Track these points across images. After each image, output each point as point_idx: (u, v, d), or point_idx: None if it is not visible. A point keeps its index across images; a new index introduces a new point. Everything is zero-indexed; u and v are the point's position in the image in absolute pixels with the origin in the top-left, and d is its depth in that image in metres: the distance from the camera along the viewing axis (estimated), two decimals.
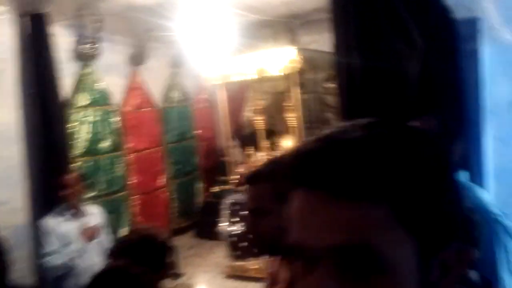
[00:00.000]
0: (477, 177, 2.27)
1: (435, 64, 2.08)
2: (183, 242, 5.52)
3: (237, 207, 4.40)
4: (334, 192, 0.46)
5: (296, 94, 4.29)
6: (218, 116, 6.51)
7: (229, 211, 4.56)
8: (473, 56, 2.16)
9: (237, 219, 4.45)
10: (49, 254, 2.96)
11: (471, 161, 2.24)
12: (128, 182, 5.07)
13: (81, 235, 3.35)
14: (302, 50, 4.19)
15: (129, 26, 4.95)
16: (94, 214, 3.66)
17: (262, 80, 4.58)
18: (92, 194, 4.51)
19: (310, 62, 4.24)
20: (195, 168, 6.23)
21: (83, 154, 4.48)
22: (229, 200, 4.56)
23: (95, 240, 3.29)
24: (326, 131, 0.51)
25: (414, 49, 2.14)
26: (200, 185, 6.30)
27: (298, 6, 5.26)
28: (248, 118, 7.30)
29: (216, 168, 6.07)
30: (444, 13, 2.20)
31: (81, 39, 4.51)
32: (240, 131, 6.81)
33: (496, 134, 2.82)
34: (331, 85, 7.31)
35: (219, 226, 4.63)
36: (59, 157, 4.03)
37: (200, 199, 6.26)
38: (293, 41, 5.57)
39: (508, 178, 2.99)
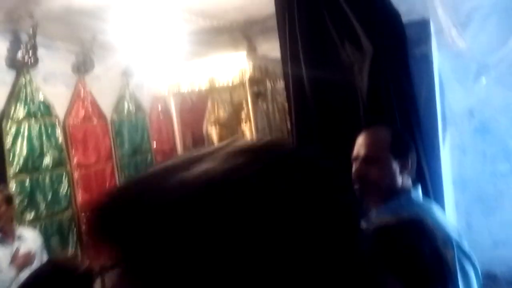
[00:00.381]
0: (437, 187, 2.12)
1: (384, 69, 1.92)
2: None
3: None
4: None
5: (249, 104, 4.06)
6: (174, 128, 6.22)
7: None
8: (424, 61, 2.02)
9: None
10: None
11: (430, 171, 2.08)
12: (74, 201, 4.68)
13: (12, 263, 3.02)
14: (252, 57, 3.99)
15: (71, 31, 4.61)
16: (29, 239, 3.30)
17: (213, 90, 4.35)
18: (31, 215, 4.11)
19: (263, 70, 4.03)
20: None
21: (21, 172, 4.08)
22: None
23: (29, 268, 2.96)
24: (158, 168, 0.41)
25: (362, 54, 1.97)
26: None
27: (255, 12, 5.08)
28: (207, 131, 7.07)
29: None
30: (391, 15, 2.05)
31: (15, 45, 4.14)
32: (200, 145, 6.54)
33: (455, 143, 2.70)
34: None
35: None
36: None
37: None
38: (250, 48, 5.38)
39: (468, 187, 2.87)
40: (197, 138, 6.70)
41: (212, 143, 5.19)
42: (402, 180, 1.54)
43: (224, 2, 4.33)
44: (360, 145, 1.60)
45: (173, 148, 6.06)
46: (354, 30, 2.03)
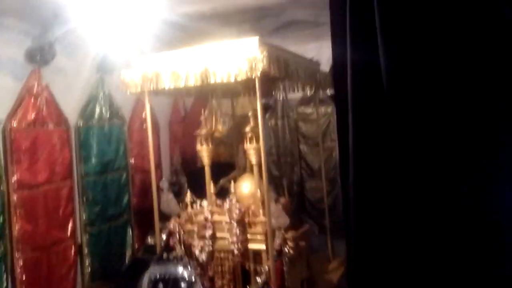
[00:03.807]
0: None
1: None
2: None
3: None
4: None
5: (256, 113, 2.80)
6: (158, 142, 5.00)
7: None
8: None
9: None
10: None
11: None
12: (10, 232, 3.41)
13: None
14: (268, 45, 2.75)
15: (30, 6, 3.45)
16: None
17: (206, 87, 3.12)
18: None
19: (279, 65, 2.80)
20: (124, 209, 4.60)
21: None
22: (148, 274, 2.97)
23: None
24: None
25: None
26: (129, 234, 4.66)
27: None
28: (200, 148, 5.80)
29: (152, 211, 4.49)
30: None
31: None
32: (188, 165, 5.28)
33: None
34: (307, 110, 5.95)
35: None
36: None
37: (129, 253, 4.61)
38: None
39: None
40: (187, 157, 5.45)
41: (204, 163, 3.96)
42: None
43: None
44: None
45: (157, 167, 4.79)
46: None
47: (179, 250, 3.09)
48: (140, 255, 4.43)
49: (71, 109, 4.09)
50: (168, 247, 3.19)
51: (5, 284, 3.32)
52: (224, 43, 2.83)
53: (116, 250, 4.45)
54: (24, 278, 3.48)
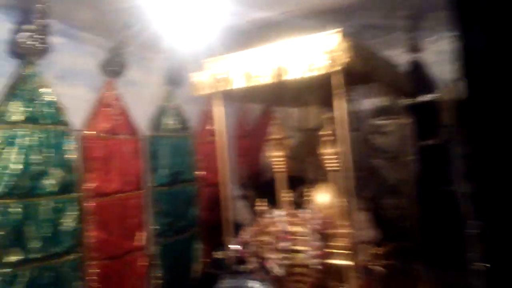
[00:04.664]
0: None
1: None
2: None
3: None
4: None
5: (341, 111, 2.53)
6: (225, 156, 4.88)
7: None
8: None
9: None
10: None
11: None
12: (85, 240, 3.42)
13: None
14: (350, 35, 2.51)
15: (103, 20, 3.54)
16: None
17: (282, 85, 2.93)
18: (16, 257, 2.88)
19: (363, 58, 2.56)
20: (192, 223, 4.52)
21: (8, 194, 2.90)
22: None
23: None
24: None
25: None
26: (198, 248, 4.55)
27: None
28: (268, 159, 5.63)
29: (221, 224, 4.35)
30: None
31: (21, 27, 3.10)
32: (256, 177, 5.12)
33: None
34: (381, 122, 5.57)
35: None
36: None
37: (198, 267, 4.50)
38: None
39: None
40: (253, 171, 5.30)
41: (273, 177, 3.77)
42: None
43: None
44: None
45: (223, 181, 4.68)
46: None
47: (253, 263, 2.88)
48: (209, 269, 4.29)
49: (141, 119, 4.11)
50: (240, 260, 3.01)
51: None
52: (302, 38, 2.62)
53: (186, 263, 4.36)
54: (98, 287, 3.45)
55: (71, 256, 3.27)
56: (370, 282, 2.42)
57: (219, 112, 3.21)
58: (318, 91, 3.33)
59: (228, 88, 2.79)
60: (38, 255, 3.01)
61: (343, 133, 2.40)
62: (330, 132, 2.73)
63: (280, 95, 3.84)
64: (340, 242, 2.54)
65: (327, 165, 2.80)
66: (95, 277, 3.44)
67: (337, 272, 2.59)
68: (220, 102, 3.15)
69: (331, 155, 2.74)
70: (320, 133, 2.83)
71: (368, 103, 4.59)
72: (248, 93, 3.26)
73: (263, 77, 2.57)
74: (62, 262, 3.20)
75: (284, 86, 2.98)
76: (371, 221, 2.71)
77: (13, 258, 2.87)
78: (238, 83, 2.72)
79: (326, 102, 3.85)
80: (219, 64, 2.93)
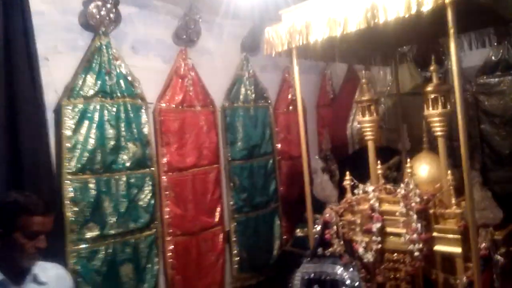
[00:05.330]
0: None
1: None
2: None
3: None
4: None
5: (455, 57, 1.99)
6: (306, 124, 4.50)
7: None
8: None
9: None
10: None
11: None
12: (161, 216, 3.34)
13: None
14: None
15: None
16: (49, 283, 1.97)
17: (373, 33, 2.45)
18: (94, 232, 2.86)
19: None
20: (271, 198, 4.27)
21: (83, 170, 2.86)
22: (301, 272, 2.49)
23: None
24: None
25: None
26: (278, 225, 4.31)
27: None
28: (355, 129, 5.15)
29: (302, 200, 4.05)
30: None
31: None
32: (338, 152, 4.67)
33: None
34: (491, 80, 4.74)
35: None
36: (39, 177, 2.51)
37: (277, 245, 4.27)
38: None
39: None
40: (337, 143, 4.86)
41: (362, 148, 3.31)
42: None
43: None
44: None
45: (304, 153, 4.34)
46: None
47: (337, 246, 2.54)
48: (289, 247, 4.04)
49: (216, 90, 3.90)
50: (323, 241, 2.68)
51: (157, 267, 3.24)
52: None
53: (264, 241, 4.14)
54: (174, 263, 3.38)
55: (148, 232, 3.20)
56: (488, 274, 1.94)
57: (298, 77, 2.85)
58: (420, 38, 2.78)
59: (309, 39, 2.39)
60: (115, 231, 2.96)
61: (457, 86, 1.90)
62: (434, 89, 2.24)
63: (369, 48, 3.36)
64: (448, 225, 2.08)
65: (435, 128, 2.32)
66: (171, 253, 3.36)
67: (443, 261, 2.14)
68: (298, 63, 2.78)
69: (437, 116, 2.25)
70: (427, 89, 2.35)
71: (476, 57, 3.88)
72: (330, 49, 2.85)
73: (351, 23, 2.14)
74: (139, 238, 3.13)
75: (376, 35, 2.53)
76: (491, 199, 2.19)
77: (89, 234, 2.85)
78: (320, 33, 2.31)
79: (426, 57, 3.28)
80: (297, 14, 2.53)
